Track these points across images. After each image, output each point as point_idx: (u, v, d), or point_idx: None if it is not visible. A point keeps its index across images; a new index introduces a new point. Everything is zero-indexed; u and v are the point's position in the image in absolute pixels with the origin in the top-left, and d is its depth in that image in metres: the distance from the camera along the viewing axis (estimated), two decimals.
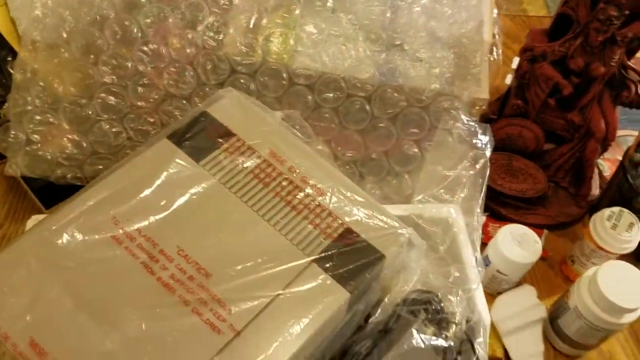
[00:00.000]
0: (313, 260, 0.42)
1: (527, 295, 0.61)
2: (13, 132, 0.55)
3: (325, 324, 0.41)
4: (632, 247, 0.58)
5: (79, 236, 0.41)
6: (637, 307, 0.52)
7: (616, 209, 0.59)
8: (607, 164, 0.74)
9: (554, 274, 0.66)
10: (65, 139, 0.55)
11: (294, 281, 0.41)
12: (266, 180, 0.46)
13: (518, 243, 0.58)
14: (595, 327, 0.54)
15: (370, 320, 0.48)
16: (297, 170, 0.47)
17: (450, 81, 0.59)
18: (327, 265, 0.42)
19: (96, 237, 0.41)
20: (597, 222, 0.59)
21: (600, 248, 0.58)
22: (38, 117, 0.55)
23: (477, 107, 0.60)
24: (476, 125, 0.59)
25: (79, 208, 0.42)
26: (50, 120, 0.55)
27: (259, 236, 0.43)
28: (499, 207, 0.67)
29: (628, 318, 0.52)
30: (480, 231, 0.57)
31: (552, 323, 0.59)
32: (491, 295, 0.62)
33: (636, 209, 0.61)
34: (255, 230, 0.44)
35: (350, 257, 0.43)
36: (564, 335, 0.57)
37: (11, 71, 0.60)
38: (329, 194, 0.46)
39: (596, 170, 0.72)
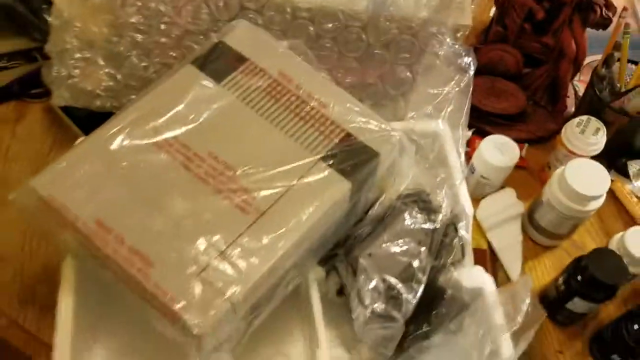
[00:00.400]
0: (320, 159, 0.51)
1: (507, 196, 0.70)
2: (56, 68, 0.63)
3: (331, 208, 0.50)
4: (598, 149, 0.67)
5: (127, 142, 0.50)
6: (599, 195, 0.60)
7: (584, 117, 0.67)
8: (582, 85, 0.81)
9: (533, 180, 0.75)
10: (101, 72, 0.64)
11: (305, 175, 0.50)
12: (277, 96, 0.54)
13: (499, 150, 0.67)
14: (565, 216, 0.63)
15: (369, 213, 0.57)
16: (303, 87, 0.55)
17: (437, 10, 0.67)
18: (331, 162, 0.51)
19: (141, 143, 0.50)
20: (567, 129, 0.67)
21: (571, 152, 0.67)
22: (77, 55, 0.63)
23: (461, 33, 0.68)
24: (461, 49, 0.67)
25: (124, 121, 0.51)
26: (87, 56, 0.63)
27: (275, 141, 0.52)
28: (485, 124, 0.76)
29: (593, 205, 0.61)
30: (465, 141, 0.66)
31: (529, 217, 0.68)
32: (476, 200, 0.71)
33: (604, 120, 0.69)
34: (271, 136, 0.52)
35: (350, 155, 0.52)
36: (539, 227, 0.67)
37: (47, 18, 0.69)
38: (330, 106, 0.54)
39: (572, 91, 0.80)
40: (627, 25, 0.68)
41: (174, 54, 0.66)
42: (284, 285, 0.50)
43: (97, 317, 0.55)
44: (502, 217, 0.68)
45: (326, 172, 0.51)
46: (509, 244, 0.67)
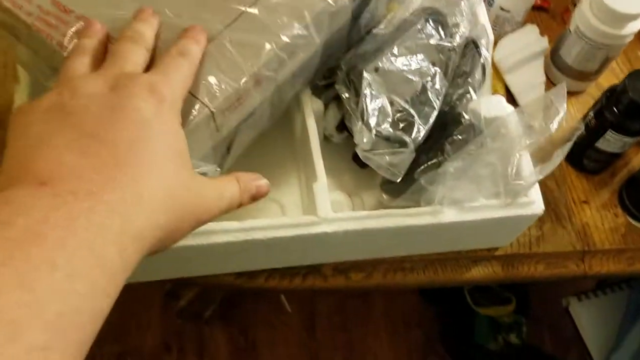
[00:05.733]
0: None
1: (529, 32, 0.62)
2: None
3: (329, 3, 0.41)
4: None
5: None
6: (638, 13, 0.52)
7: None
8: None
9: (556, 24, 0.67)
10: None
11: None
12: None
13: None
14: (597, 44, 0.55)
15: (375, 30, 0.49)
16: None
17: None
18: None
19: None
20: None
21: None
22: None
23: None
24: None
25: None
26: None
27: None
28: None
29: (630, 29, 0.53)
30: None
31: (553, 57, 0.60)
32: (494, 41, 0.63)
33: None
34: None
35: None
36: (564, 66, 0.59)
37: None
38: None
39: None
40: None
41: None
42: (270, 104, 0.42)
43: None
44: (523, 56, 0.60)
45: None
46: (529, 86, 0.60)
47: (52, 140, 0.26)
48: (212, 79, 0.36)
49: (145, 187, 0.26)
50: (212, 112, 0.36)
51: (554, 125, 0.40)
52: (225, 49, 0.37)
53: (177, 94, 0.30)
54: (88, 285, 0.22)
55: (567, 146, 0.40)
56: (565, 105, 0.40)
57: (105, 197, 0.24)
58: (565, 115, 0.56)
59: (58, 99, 0.28)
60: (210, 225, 0.43)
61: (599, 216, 0.56)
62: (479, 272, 0.55)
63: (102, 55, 0.33)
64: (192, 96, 0.35)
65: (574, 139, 0.41)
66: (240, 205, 0.33)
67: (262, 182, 0.35)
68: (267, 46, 0.38)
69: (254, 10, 0.39)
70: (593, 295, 0.94)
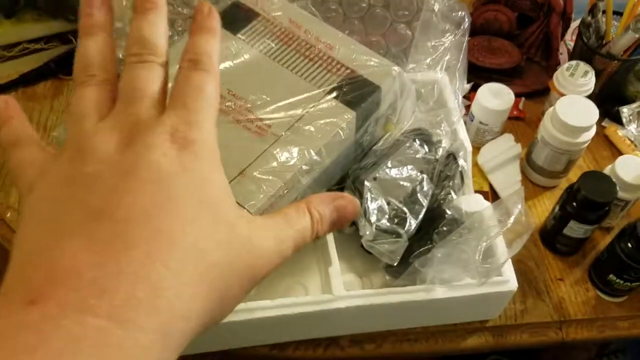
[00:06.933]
0: (326, 92, 0.57)
1: (506, 140, 0.75)
2: None
3: (338, 134, 0.56)
4: (588, 90, 0.71)
5: None
6: (589, 126, 0.65)
7: (574, 62, 0.72)
8: (572, 44, 0.86)
9: (530, 130, 0.80)
10: None
11: (313, 106, 0.56)
12: (288, 41, 0.61)
13: (494, 95, 0.72)
14: (559, 150, 0.67)
15: (374, 148, 0.63)
16: (311, 33, 0.61)
17: None
18: (337, 94, 0.57)
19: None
20: (558, 74, 0.72)
21: (562, 94, 0.72)
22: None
23: None
24: (455, 4, 0.73)
25: None
26: (119, 26, 0.71)
27: (285, 79, 0.58)
28: (483, 80, 0.81)
29: (584, 137, 0.66)
30: (462, 88, 0.71)
31: (528, 159, 0.73)
32: (477, 148, 0.76)
33: (595, 67, 0.74)
34: (282, 75, 0.58)
35: (354, 88, 0.58)
36: (536, 167, 0.72)
37: None
38: (336, 48, 0.60)
39: (565, 49, 0.85)
40: None
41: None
42: None
43: None
44: (501, 159, 0.73)
45: (332, 103, 0.57)
46: (509, 183, 0.72)
47: (56, 227, 0.22)
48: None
49: (165, 264, 0.22)
50: (251, 213, 0.49)
51: (510, 221, 0.52)
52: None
53: (205, 127, 0.26)
54: None
55: (524, 238, 0.52)
56: (519, 206, 0.52)
57: (105, 307, 0.20)
58: (541, 207, 0.69)
59: (68, 169, 0.24)
60: (249, 304, 0.56)
61: (572, 291, 0.66)
62: (473, 342, 0.65)
63: (114, 85, 0.27)
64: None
65: (529, 232, 0.53)
66: (317, 237, 0.29)
67: (342, 201, 0.30)
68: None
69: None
70: None
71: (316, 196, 0.29)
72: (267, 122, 0.55)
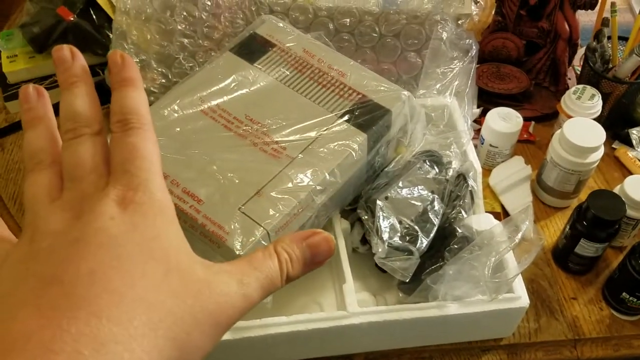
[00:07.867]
0: (338, 116, 0.60)
1: (516, 162, 0.77)
2: None
3: (350, 155, 0.58)
4: (596, 112, 0.73)
5: (178, 110, 0.60)
6: (596, 146, 0.67)
7: (580, 85, 0.74)
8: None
9: (541, 153, 0.82)
10: (155, 72, 0.75)
11: (326, 129, 0.59)
12: (302, 69, 0.64)
13: (503, 119, 0.74)
14: (568, 170, 0.69)
15: (386, 169, 0.65)
16: (324, 61, 0.65)
17: (439, 1, 0.76)
18: (349, 118, 0.60)
19: (190, 111, 0.60)
20: (566, 97, 0.74)
21: (570, 117, 0.74)
22: (134, 59, 0.75)
23: (462, 21, 0.77)
24: (463, 32, 0.76)
25: (175, 96, 0.61)
26: (143, 58, 0.75)
27: (300, 104, 0.61)
28: (493, 105, 0.83)
29: (592, 158, 0.68)
30: (472, 112, 0.74)
31: (538, 180, 0.74)
32: (488, 170, 0.78)
33: (602, 91, 0.76)
34: (296, 101, 0.62)
35: (365, 112, 0.60)
36: (547, 187, 0.73)
37: (109, 34, 0.81)
38: (348, 75, 0.64)
39: (574, 74, 0.88)
40: (613, 4, 0.76)
41: (215, 55, 0.77)
42: (311, 224, 0.58)
43: None
44: (512, 181, 0.75)
45: (344, 126, 0.60)
46: (520, 204, 0.73)
47: (12, 301, 0.23)
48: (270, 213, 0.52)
49: (111, 320, 0.22)
50: (267, 231, 0.52)
51: (519, 237, 0.54)
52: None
53: (150, 186, 0.26)
54: None
55: (534, 253, 0.54)
56: (527, 222, 0.54)
57: None
58: (553, 227, 0.70)
59: (26, 248, 0.25)
60: (264, 320, 0.57)
61: (586, 310, 0.67)
62: None
63: (60, 165, 0.28)
64: (253, 221, 0.52)
65: (538, 248, 0.54)
66: (290, 278, 0.29)
67: (315, 238, 0.29)
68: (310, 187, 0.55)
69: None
70: None
71: (287, 236, 0.29)
72: (282, 144, 0.58)
